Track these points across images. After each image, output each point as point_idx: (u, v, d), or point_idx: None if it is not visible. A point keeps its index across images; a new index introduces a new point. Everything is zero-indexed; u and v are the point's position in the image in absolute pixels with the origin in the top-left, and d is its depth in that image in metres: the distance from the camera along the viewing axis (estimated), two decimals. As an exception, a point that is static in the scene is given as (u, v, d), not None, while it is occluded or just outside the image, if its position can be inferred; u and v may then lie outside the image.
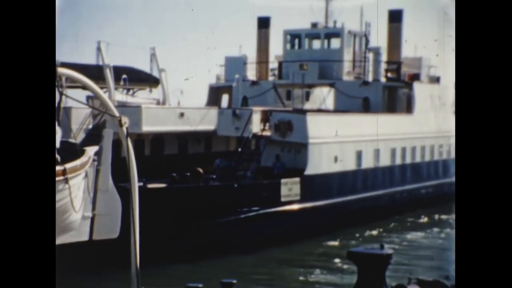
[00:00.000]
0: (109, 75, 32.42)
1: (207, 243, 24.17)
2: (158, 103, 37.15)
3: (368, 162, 32.84)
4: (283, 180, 27.24)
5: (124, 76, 33.74)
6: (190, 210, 23.94)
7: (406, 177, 36.29)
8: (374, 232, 30.94)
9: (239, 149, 29.23)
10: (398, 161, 35.52)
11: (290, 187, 27.46)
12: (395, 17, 39.44)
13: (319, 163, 29.30)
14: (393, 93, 38.79)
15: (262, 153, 29.36)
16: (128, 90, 40.43)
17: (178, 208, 23.64)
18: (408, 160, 36.41)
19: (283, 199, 27.20)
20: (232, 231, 25.25)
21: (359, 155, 32.12)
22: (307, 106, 41.52)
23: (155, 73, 37.52)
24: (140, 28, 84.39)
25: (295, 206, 27.79)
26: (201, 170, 26.47)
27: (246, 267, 23.89)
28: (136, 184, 9.43)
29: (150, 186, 23.82)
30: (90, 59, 33.59)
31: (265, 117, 30.01)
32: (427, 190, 38.99)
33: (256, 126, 29.70)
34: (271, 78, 41.82)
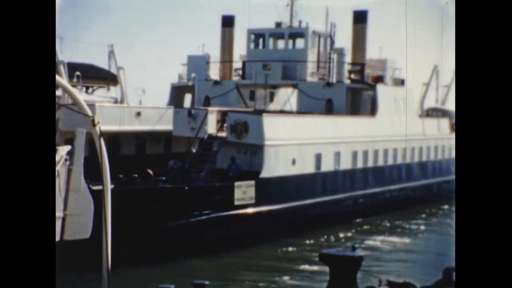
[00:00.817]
0: (62, 72, 31.44)
1: (152, 248, 23.31)
2: (116, 101, 36.22)
3: (328, 165, 32.14)
4: (236, 183, 26.44)
5: (78, 73, 32.77)
6: (136, 213, 23.05)
7: (368, 181, 35.65)
8: (332, 237, 30.25)
9: (193, 150, 28.38)
10: (360, 164, 34.86)
11: (244, 190, 26.67)
12: (360, 18, 38.83)
13: (276, 165, 28.55)
14: (357, 95, 38.16)
15: (217, 154, 28.53)
16: (87, 88, 39.46)
17: (122, 210, 22.69)
18: (370, 164, 35.78)
19: (236, 203, 26.40)
20: (181, 235, 24.40)
21: (318, 157, 31.41)
22: (272, 107, 40.79)
23: (114, 71, 36.62)
24: (106, 27, 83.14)
25: (249, 210, 27.01)
26: (150, 172, 25.61)
27: (201, 271, 23.06)
28: (108, 185, 9.39)
29: (93, 188, 22.84)
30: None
31: (222, 118, 29.21)
32: (391, 194, 38.43)
33: (212, 126, 28.89)
34: (236, 78, 41.03)
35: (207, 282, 9.26)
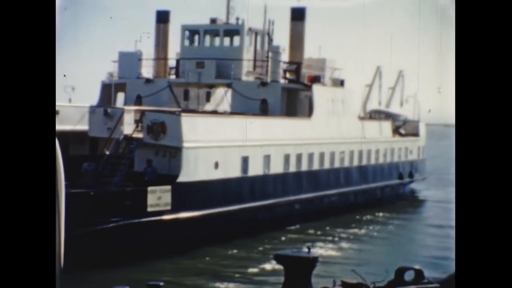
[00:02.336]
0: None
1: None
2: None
3: (256, 169, 30.51)
4: (150, 188, 24.65)
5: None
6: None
7: (302, 185, 34.11)
8: (261, 248, 28.51)
9: (107, 152, 26.52)
10: (293, 168, 33.30)
11: (159, 196, 24.88)
12: (298, 15, 37.31)
13: (196, 169, 26.81)
14: (293, 95, 36.61)
15: (134, 157, 26.72)
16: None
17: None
18: (304, 168, 34.23)
19: (150, 209, 24.60)
20: (84, 244, 22.51)
21: (245, 161, 29.76)
22: (208, 107, 39.10)
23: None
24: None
25: (164, 217, 25.23)
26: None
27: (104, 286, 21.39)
28: (62, 186, 8.87)
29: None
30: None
31: (141, 118, 27.41)
32: (329, 199, 36.98)
33: (128, 127, 27.06)
34: (172, 77, 39.25)
35: (161, 283, 9.17)
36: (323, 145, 35.67)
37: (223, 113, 33.87)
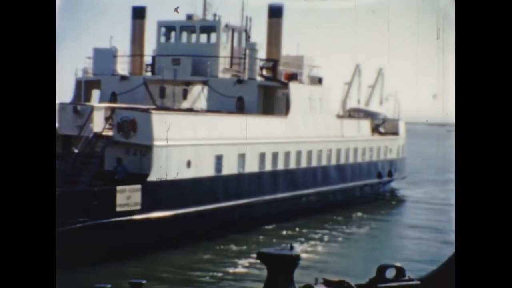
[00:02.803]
0: None
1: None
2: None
3: (230, 168, 29.95)
4: (119, 187, 24.03)
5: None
6: None
7: (279, 184, 33.60)
8: (235, 248, 27.94)
9: (76, 150, 25.87)
10: (269, 167, 32.77)
11: (128, 195, 24.27)
12: (275, 12, 36.77)
13: (167, 168, 26.22)
14: (270, 93, 36.07)
15: (104, 155, 26.09)
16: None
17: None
18: (280, 167, 33.72)
19: (119, 209, 23.99)
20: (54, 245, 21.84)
21: (219, 159, 29.20)
22: (184, 105, 38.46)
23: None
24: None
25: (134, 217, 24.62)
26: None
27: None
28: None
29: None
30: None
31: (111, 115, 26.78)
32: (307, 198, 36.51)
33: (98, 124, 26.43)
34: (148, 74, 38.61)
35: (144, 281, 9.10)
36: (300, 143, 35.17)
37: (198, 111, 33.27)
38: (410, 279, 8.82)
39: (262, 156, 32.21)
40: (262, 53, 36.94)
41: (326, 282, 8.26)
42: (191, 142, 27.54)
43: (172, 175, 26.39)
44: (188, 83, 37.91)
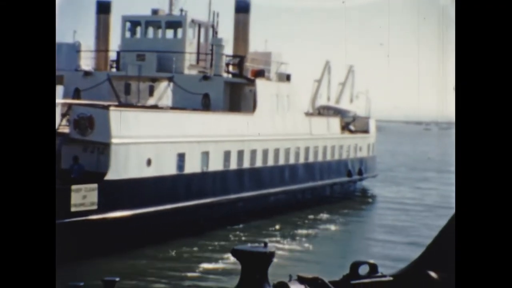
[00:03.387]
0: None
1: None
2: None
3: (193, 166, 29.21)
4: (74, 186, 23.20)
5: None
6: None
7: (244, 183, 32.91)
8: (196, 248, 27.23)
9: (30, 148, 24.93)
10: (234, 165, 32.06)
11: (84, 195, 23.45)
12: (242, 7, 36.09)
13: (126, 166, 25.42)
14: (237, 90, 35.39)
15: (60, 153, 25.21)
16: None
17: None
18: (246, 165, 33.03)
19: (74, 209, 23.15)
20: None
21: (181, 158, 28.43)
22: (151, 102, 37.63)
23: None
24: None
25: (90, 217, 23.80)
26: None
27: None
28: None
29: None
30: None
31: (67, 111, 25.91)
32: (275, 197, 35.87)
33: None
34: (113, 70, 37.73)
35: (117, 279, 8.94)
36: (267, 141, 34.51)
37: (162, 108, 32.48)
38: (383, 275, 8.93)
39: (227, 154, 31.52)
40: (229, 49, 36.29)
41: (300, 279, 8.23)
42: (151, 140, 26.76)
43: (131, 174, 25.60)
44: (154, 80, 37.11)
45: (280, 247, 28.32)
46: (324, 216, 36.67)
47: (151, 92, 38.23)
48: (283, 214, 35.07)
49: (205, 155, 29.95)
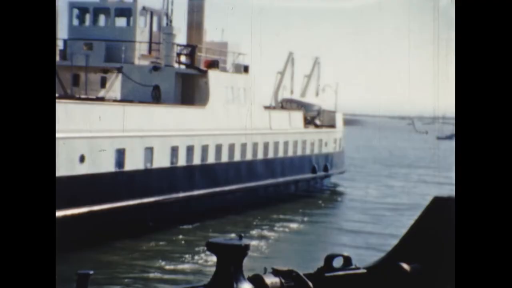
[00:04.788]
0: None
1: None
2: None
3: (135, 163, 27.22)
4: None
5: None
6: None
7: (195, 181, 30.95)
8: (137, 254, 25.29)
9: None
10: (182, 162, 30.10)
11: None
12: (196, -6, 34.13)
13: (56, 163, 23.33)
14: (190, 82, 33.36)
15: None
16: None
17: None
18: (197, 161, 31.07)
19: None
20: None
21: (120, 154, 26.44)
22: (102, 94, 35.57)
23: None
24: None
25: (12, 218, 21.74)
26: None
27: None
28: None
29: None
30: None
31: None
32: (233, 195, 33.94)
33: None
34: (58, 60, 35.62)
35: (91, 272, 8.76)
36: (220, 136, 32.55)
37: (104, 100, 30.42)
38: (357, 268, 9.10)
39: (175, 150, 29.54)
40: (182, 39, 34.33)
41: (275, 271, 8.31)
42: (84, 134, 24.74)
43: (61, 172, 23.55)
44: (106, 70, 35.04)
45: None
46: (280, 215, 34.71)
47: (103, 83, 36.13)
48: (238, 213, 33.21)
49: (149, 151, 27.96)
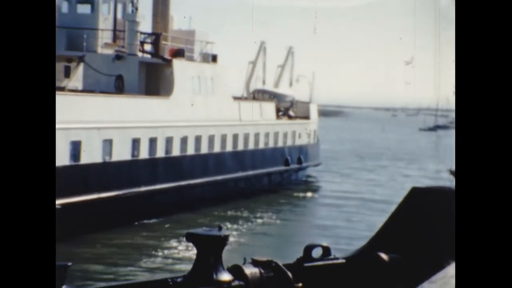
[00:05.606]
0: None
1: None
2: None
3: (93, 156, 26.07)
4: None
5: None
6: None
7: (158, 174, 29.83)
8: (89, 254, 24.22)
9: None
10: (145, 154, 28.96)
11: None
12: (161, -21, 32.89)
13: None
14: (155, 71, 32.14)
15: None
16: None
17: None
18: (160, 154, 29.93)
19: None
20: None
21: (75, 147, 25.27)
22: (66, 83, 34.30)
23: None
24: None
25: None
26: None
27: None
28: None
29: None
30: None
31: None
32: (201, 189, 32.82)
33: None
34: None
35: (69, 264, 8.12)
36: (185, 128, 31.40)
37: (62, 90, 29.18)
38: (335, 258, 9.17)
39: (136, 142, 28.38)
40: (147, 27, 33.14)
41: (254, 262, 8.37)
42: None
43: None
44: (70, 59, 33.77)
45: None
46: (250, 209, 33.66)
47: (67, 73, 34.86)
48: (208, 207, 32.13)
49: (108, 143, 26.79)
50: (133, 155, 28.25)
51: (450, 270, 6.75)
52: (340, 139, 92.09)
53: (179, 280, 7.84)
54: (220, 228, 7.98)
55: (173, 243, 26.69)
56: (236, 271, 8.04)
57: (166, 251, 25.24)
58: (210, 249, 7.80)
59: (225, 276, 7.80)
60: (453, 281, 6.36)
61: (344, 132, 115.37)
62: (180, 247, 25.83)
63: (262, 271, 8.21)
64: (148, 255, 24.30)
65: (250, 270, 8.15)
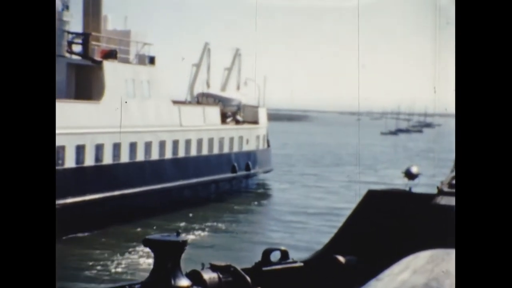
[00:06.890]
0: None
1: None
2: None
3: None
4: None
5: None
6: None
7: (86, 183, 27.81)
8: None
9: None
10: (71, 163, 26.93)
11: None
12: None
13: None
14: (85, 74, 30.12)
15: None
16: None
17: None
18: (90, 162, 27.92)
19: None
20: None
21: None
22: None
23: None
24: None
25: None
26: None
27: None
28: None
29: None
30: None
31: None
32: (138, 198, 30.86)
33: None
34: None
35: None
36: (117, 134, 29.41)
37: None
38: (294, 261, 9.21)
39: (60, 150, 26.33)
40: (77, 26, 31.11)
41: (213, 267, 8.37)
42: None
43: None
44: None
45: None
46: (189, 221, 31.77)
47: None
48: (139, 218, 30.15)
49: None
50: (57, 164, 26.17)
51: (396, 267, 6.80)
52: (298, 144, 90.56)
53: (136, 287, 7.78)
54: (178, 234, 7.94)
55: (106, 255, 25.08)
56: (194, 276, 7.98)
57: (99, 267, 23.52)
58: (168, 254, 7.72)
59: (184, 282, 7.70)
60: (399, 278, 6.47)
61: (303, 137, 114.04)
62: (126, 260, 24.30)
63: (221, 276, 8.19)
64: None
65: (209, 275, 8.13)
